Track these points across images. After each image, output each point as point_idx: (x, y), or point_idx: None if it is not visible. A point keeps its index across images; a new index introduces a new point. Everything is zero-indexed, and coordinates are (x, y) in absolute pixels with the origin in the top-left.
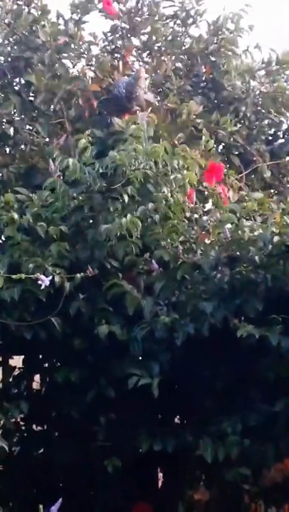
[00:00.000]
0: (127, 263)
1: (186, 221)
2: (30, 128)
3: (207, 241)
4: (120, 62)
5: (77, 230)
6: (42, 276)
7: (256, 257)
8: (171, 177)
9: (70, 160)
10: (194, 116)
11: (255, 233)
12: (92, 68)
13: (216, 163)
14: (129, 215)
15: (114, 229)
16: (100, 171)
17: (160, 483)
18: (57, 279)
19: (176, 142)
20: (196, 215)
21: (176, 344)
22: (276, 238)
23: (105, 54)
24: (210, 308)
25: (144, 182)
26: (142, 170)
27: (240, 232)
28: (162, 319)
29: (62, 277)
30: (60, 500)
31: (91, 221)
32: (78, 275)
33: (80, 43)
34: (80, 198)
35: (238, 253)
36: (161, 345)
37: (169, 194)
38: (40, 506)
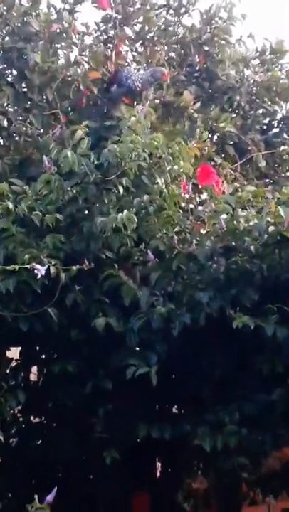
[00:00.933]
0: (123, 254)
1: (181, 212)
2: (24, 119)
3: (202, 231)
4: (113, 52)
5: (72, 222)
6: (37, 266)
7: (251, 247)
8: (167, 168)
9: (69, 152)
10: (192, 111)
11: (251, 223)
12: (86, 59)
13: (207, 166)
14: (125, 212)
15: (109, 222)
16: (95, 162)
17: (158, 473)
18: (52, 270)
19: (172, 133)
20: (191, 206)
21: (172, 334)
22: (271, 228)
23: (98, 44)
24: (206, 298)
25: (139, 173)
26: (137, 162)
27: (235, 222)
28: (158, 310)
29: (57, 268)
30: (55, 489)
31: (86, 212)
32: (74, 267)
33: (73, 33)
34: (75, 190)
35: (233, 243)
36: (157, 335)
37: (164, 186)
38: (36, 496)
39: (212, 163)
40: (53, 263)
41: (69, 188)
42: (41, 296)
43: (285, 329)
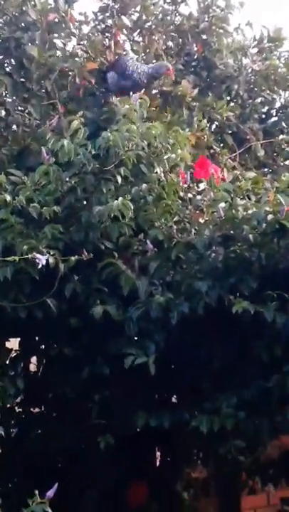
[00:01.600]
0: (122, 244)
1: (180, 201)
2: (22, 109)
3: (201, 220)
4: (112, 42)
5: (71, 212)
6: (38, 255)
7: (250, 236)
8: (165, 157)
9: (65, 141)
10: (190, 99)
11: (249, 212)
12: (84, 48)
13: (204, 159)
14: (120, 198)
15: (106, 210)
16: (93, 152)
17: (158, 463)
18: (51, 260)
19: (170, 123)
20: (189, 195)
21: (171, 324)
22: (270, 216)
23: (96, 34)
24: (205, 287)
25: (137, 163)
26: (135, 151)
27: (234, 211)
28: (157, 299)
29: (56, 258)
30: (56, 485)
31: (85, 202)
32: (73, 258)
33: (70, 23)
34: (73, 180)
35: (232, 232)
36: (156, 324)
37: (162, 174)
38: (36, 491)
39: (211, 151)
40: (51, 253)
41: (67, 179)
42: (40, 286)
43: (284, 315)
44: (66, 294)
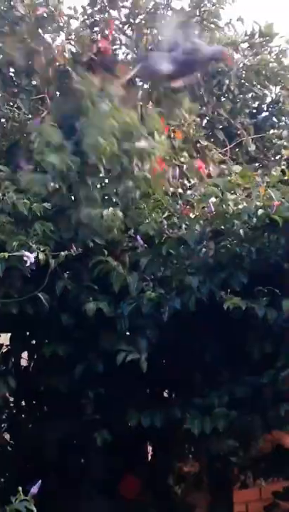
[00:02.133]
0: (112, 241)
1: (169, 196)
2: (12, 104)
3: (192, 215)
4: (99, 36)
5: (59, 210)
6: (26, 253)
7: (241, 230)
8: (142, 143)
9: (49, 154)
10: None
11: (240, 206)
12: (72, 43)
13: (198, 162)
14: (110, 209)
15: (95, 215)
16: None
17: (150, 457)
18: (41, 256)
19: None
20: (180, 190)
21: (163, 319)
22: (260, 211)
23: (85, 28)
24: (196, 282)
25: (118, 155)
26: (115, 145)
27: (224, 205)
28: (148, 295)
29: (46, 255)
30: (40, 481)
31: (72, 199)
32: (62, 253)
33: (59, 17)
34: (57, 182)
35: (222, 227)
36: (148, 320)
37: (146, 170)
38: (19, 488)
39: (198, 145)
40: (42, 249)
41: (52, 184)
42: (31, 282)
43: (275, 311)
44: (57, 292)
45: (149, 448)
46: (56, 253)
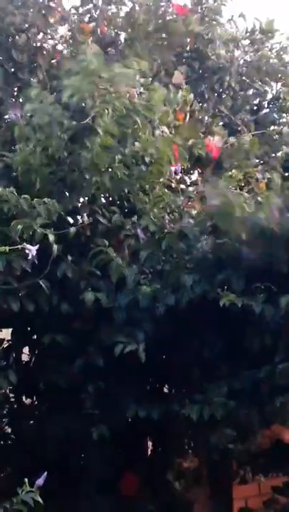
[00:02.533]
0: (115, 224)
1: (171, 192)
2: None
3: (193, 212)
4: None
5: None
6: (28, 246)
7: (243, 234)
8: (142, 112)
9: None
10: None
11: (245, 212)
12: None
13: (213, 144)
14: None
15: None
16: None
17: (149, 453)
18: (51, 238)
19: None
20: (182, 186)
21: (160, 313)
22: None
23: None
24: (190, 281)
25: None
26: (110, 101)
27: (228, 209)
28: (144, 289)
29: (50, 242)
30: (46, 473)
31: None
32: (72, 229)
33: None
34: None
35: (223, 226)
36: (144, 314)
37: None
38: (25, 480)
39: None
40: (46, 232)
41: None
42: (31, 270)
43: (272, 308)
44: (58, 275)
45: (149, 444)
46: (62, 231)
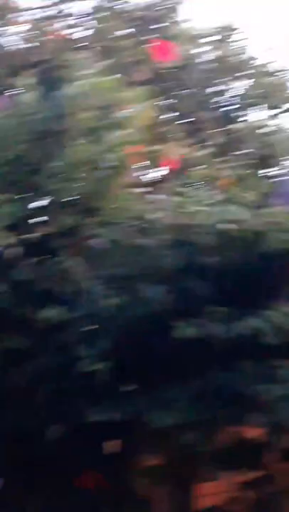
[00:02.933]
0: (72, 226)
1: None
2: None
3: (158, 223)
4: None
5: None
6: None
7: (206, 239)
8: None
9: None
10: None
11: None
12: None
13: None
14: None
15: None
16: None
17: (112, 451)
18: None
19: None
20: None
21: (120, 323)
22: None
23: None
24: (151, 293)
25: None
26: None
27: (189, 218)
28: (106, 301)
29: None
30: (2, 480)
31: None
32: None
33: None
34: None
35: (186, 236)
36: (105, 323)
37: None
38: None
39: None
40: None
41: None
42: None
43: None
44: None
45: (116, 442)
46: (26, 235)
